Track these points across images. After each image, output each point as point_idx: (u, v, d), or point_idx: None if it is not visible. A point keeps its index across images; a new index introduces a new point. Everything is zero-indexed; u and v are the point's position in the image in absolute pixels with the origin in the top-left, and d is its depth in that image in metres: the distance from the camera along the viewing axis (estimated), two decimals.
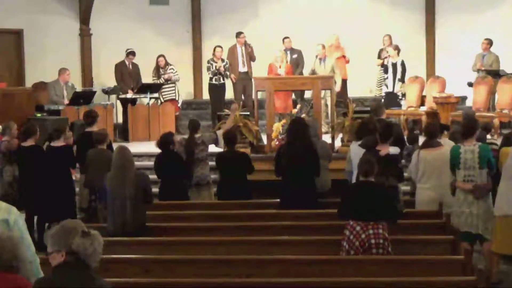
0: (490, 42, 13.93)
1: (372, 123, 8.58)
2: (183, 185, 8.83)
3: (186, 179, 8.91)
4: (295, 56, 14.08)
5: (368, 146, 7.60)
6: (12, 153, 9.05)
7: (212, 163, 9.25)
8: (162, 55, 14.16)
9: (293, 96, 13.97)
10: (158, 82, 14.03)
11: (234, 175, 8.65)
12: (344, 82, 13.94)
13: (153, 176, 11.12)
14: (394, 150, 7.72)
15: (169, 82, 14.14)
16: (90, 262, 3.59)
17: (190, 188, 8.99)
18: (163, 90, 14.08)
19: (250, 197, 8.58)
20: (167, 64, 14.15)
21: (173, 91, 14.24)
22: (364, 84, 14.87)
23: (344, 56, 14.19)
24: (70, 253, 3.55)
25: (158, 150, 9.05)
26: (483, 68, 13.81)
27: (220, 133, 9.46)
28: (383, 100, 13.81)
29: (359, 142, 8.11)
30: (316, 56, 13.41)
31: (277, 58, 13.30)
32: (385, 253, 6.17)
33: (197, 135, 9.12)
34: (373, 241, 6.14)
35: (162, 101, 14.07)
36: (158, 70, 14.10)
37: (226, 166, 8.73)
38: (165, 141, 8.82)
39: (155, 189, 10.61)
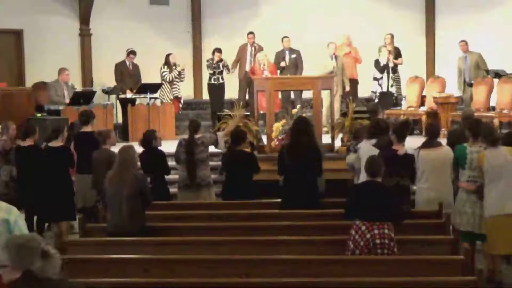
0: (466, 43, 14.01)
1: (384, 122, 8.57)
2: (164, 182, 8.83)
3: (166, 175, 8.99)
4: (294, 56, 14.12)
5: (383, 146, 7.59)
6: (8, 152, 9.04)
7: (213, 163, 9.24)
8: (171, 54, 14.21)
9: (292, 96, 14.00)
10: (170, 76, 14.00)
11: (240, 175, 8.63)
12: (353, 82, 13.95)
13: None
14: (411, 150, 7.73)
15: (180, 77, 14.14)
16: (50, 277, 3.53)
17: (187, 189, 8.98)
18: (173, 86, 14.10)
19: (255, 198, 8.55)
20: (175, 64, 14.20)
21: (179, 89, 14.26)
22: (363, 84, 14.86)
23: (354, 56, 14.19)
24: (27, 271, 3.48)
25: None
26: (468, 77, 13.89)
27: (220, 134, 9.45)
28: (377, 99, 13.85)
29: (371, 141, 8.09)
30: (334, 55, 13.40)
31: (261, 61, 13.40)
32: (390, 253, 6.15)
33: (197, 136, 9.11)
34: (378, 241, 6.13)
35: (171, 98, 14.07)
36: (170, 65, 14.09)
37: (232, 166, 8.71)
38: (146, 139, 8.90)
39: None
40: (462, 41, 14.10)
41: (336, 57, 13.37)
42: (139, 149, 9.19)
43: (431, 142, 7.93)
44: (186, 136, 9.27)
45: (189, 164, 8.92)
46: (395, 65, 13.93)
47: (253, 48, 14.27)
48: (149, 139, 8.93)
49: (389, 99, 13.87)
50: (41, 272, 3.49)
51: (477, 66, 13.96)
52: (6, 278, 3.50)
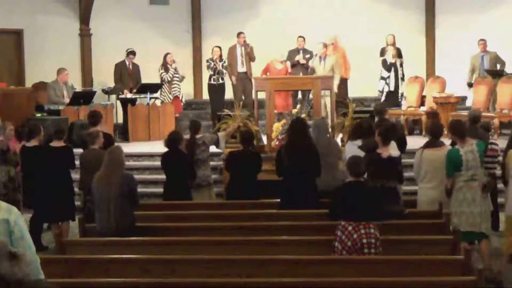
0: (486, 42, 14.01)
1: (367, 123, 8.56)
2: (187, 185, 8.83)
3: (190, 179, 8.91)
4: (308, 56, 14.09)
5: (369, 149, 7.59)
6: (5, 153, 9.03)
7: (213, 163, 9.24)
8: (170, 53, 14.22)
9: (299, 95, 13.97)
10: (168, 76, 13.99)
11: (245, 174, 8.63)
12: (345, 81, 13.94)
13: (151, 176, 11.22)
14: (395, 152, 7.72)
15: (177, 76, 14.13)
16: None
17: (191, 188, 8.97)
18: (173, 86, 14.09)
19: (259, 198, 8.54)
20: (173, 61, 14.18)
21: (179, 88, 14.24)
22: (363, 84, 14.88)
23: (343, 56, 14.16)
24: None
25: (158, 150, 9.03)
26: (482, 75, 13.87)
27: (221, 134, 9.46)
28: (383, 97, 13.88)
29: (355, 142, 8.09)
30: (316, 55, 13.43)
31: (279, 59, 13.46)
32: (377, 253, 6.17)
33: (198, 136, 9.11)
34: (364, 240, 6.14)
35: (171, 98, 14.06)
36: (166, 65, 14.08)
37: (238, 166, 8.70)
38: (174, 140, 8.78)
39: (155, 189, 10.66)
40: (481, 39, 14.05)
41: (325, 58, 13.35)
42: (161, 149, 9.18)
43: (434, 142, 7.93)
44: (187, 137, 9.26)
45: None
46: (402, 65, 13.96)
47: (243, 48, 14.24)
48: (176, 140, 8.83)
49: (395, 99, 13.88)
50: (10, 274, 3.49)
51: (495, 66, 13.91)
52: None
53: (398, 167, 7.63)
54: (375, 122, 9.16)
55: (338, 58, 13.57)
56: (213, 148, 9.66)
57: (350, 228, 6.18)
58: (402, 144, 8.70)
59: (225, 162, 8.99)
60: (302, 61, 13.97)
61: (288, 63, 13.87)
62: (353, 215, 6.21)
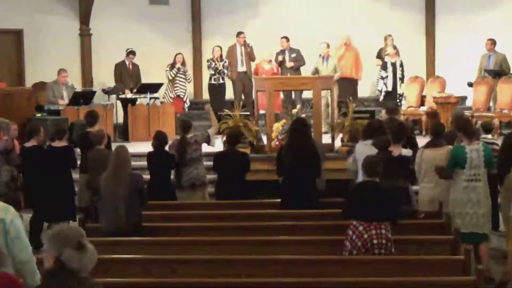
0: (494, 42, 13.94)
1: (378, 123, 8.56)
2: (171, 185, 8.85)
3: (178, 179, 8.95)
4: (293, 55, 14.10)
5: (381, 147, 7.58)
6: (9, 152, 9.03)
7: (207, 163, 9.24)
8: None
9: (293, 96, 13.98)
10: (170, 73, 13.99)
11: (233, 175, 8.63)
12: (355, 82, 13.94)
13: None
14: (406, 152, 7.72)
15: (181, 76, 14.14)
16: (79, 273, 3.55)
17: (182, 188, 8.97)
18: (176, 84, 14.09)
19: (248, 198, 8.54)
20: (180, 62, 14.18)
21: (183, 89, 14.23)
22: (364, 84, 14.86)
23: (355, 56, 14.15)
24: (59, 260, 3.51)
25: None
26: (491, 68, 13.81)
27: (211, 131, 9.45)
28: (382, 98, 13.89)
29: (366, 142, 8.08)
30: (320, 55, 13.42)
31: (271, 56, 13.63)
32: (388, 254, 6.15)
33: (189, 135, 9.10)
34: (375, 241, 6.13)
35: (172, 97, 14.06)
36: (173, 64, 14.09)
37: (225, 166, 8.71)
38: (161, 140, 8.86)
39: None
40: (490, 39, 13.98)
41: (327, 58, 13.34)
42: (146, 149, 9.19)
43: (436, 141, 7.93)
44: (178, 137, 9.26)
45: (183, 164, 8.91)
46: (402, 65, 13.97)
47: (242, 48, 14.23)
48: (164, 141, 8.90)
49: (393, 99, 13.88)
50: (70, 263, 3.51)
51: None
52: (45, 263, 3.54)
53: (408, 166, 7.62)
54: (385, 120, 9.19)
55: (350, 57, 13.62)
56: (213, 148, 9.65)
57: (361, 228, 6.17)
58: (411, 145, 8.67)
59: (212, 163, 8.98)
60: (290, 64, 13.94)
61: (274, 63, 13.90)
62: (365, 215, 6.19)
